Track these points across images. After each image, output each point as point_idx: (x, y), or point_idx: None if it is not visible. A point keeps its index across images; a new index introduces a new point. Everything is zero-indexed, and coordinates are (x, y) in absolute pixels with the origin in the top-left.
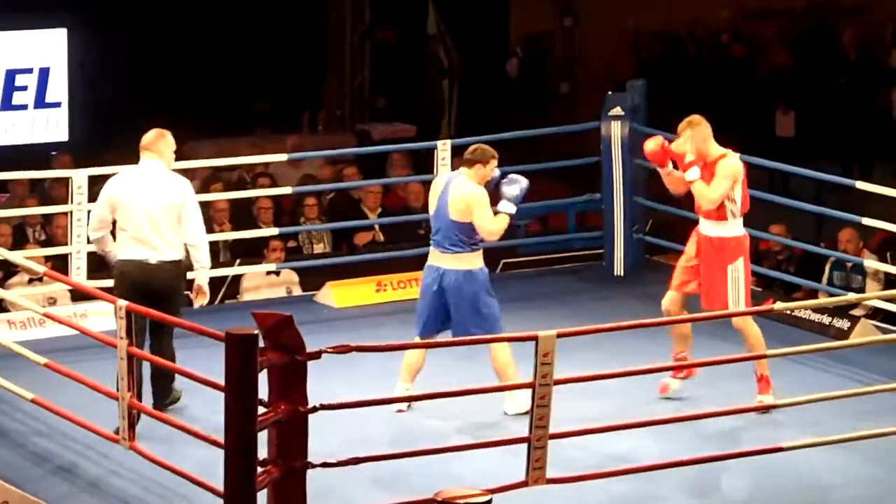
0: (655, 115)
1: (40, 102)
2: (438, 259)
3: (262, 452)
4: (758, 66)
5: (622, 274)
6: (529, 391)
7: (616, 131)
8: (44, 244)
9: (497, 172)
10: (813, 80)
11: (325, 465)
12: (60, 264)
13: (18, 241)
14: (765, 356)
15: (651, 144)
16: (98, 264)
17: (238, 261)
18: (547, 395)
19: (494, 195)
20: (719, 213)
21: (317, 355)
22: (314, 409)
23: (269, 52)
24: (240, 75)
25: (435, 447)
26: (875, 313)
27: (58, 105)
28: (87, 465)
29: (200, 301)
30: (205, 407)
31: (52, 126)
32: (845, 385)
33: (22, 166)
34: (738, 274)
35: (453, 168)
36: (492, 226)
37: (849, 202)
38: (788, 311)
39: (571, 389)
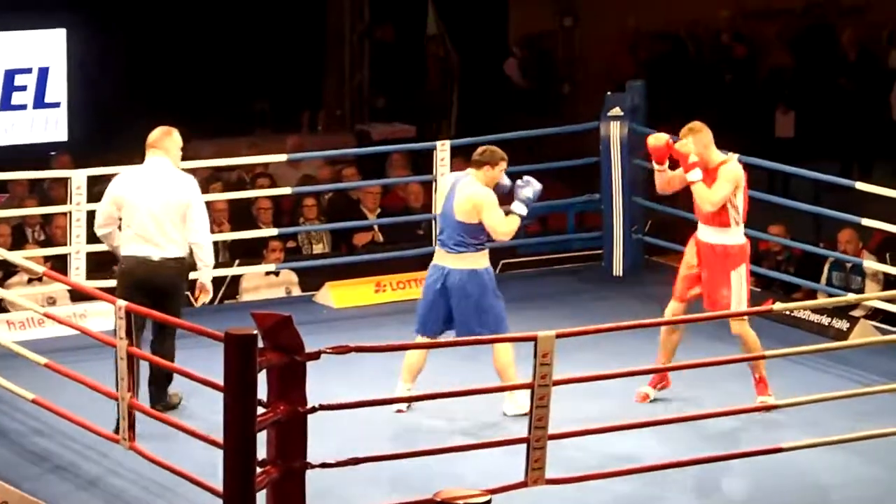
0: (655, 116)
1: (39, 102)
2: (444, 259)
3: (262, 453)
4: (758, 66)
5: (621, 274)
6: (529, 392)
7: (615, 132)
8: (43, 244)
9: (506, 180)
10: (813, 81)
11: (324, 465)
12: (60, 264)
13: (18, 242)
14: (764, 357)
15: (655, 139)
16: (97, 264)
17: (237, 261)
18: (546, 396)
19: (504, 199)
20: (721, 220)
21: (316, 356)
22: (313, 410)
23: (268, 52)
24: (239, 75)
25: (434, 447)
26: (874, 314)
27: (57, 105)
28: (87, 465)
29: (203, 299)
30: (204, 407)
31: (52, 126)
32: (845, 386)
33: (21, 166)
34: (740, 281)
35: (452, 168)
36: (504, 227)
37: (848, 203)
38: (788, 312)
39: (571, 390)
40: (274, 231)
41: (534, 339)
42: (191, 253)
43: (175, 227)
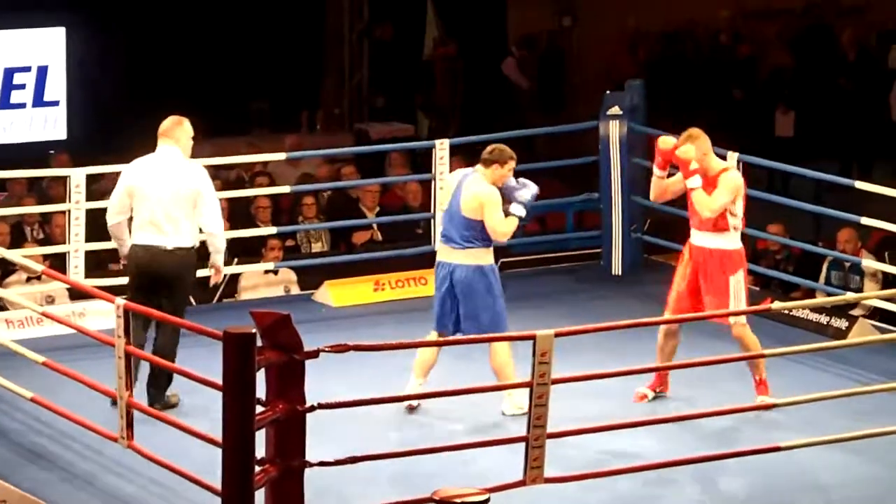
0: (654, 115)
1: (38, 101)
2: (449, 255)
3: (261, 451)
4: (758, 66)
5: (620, 273)
6: (527, 391)
7: (614, 131)
8: (42, 243)
9: (512, 180)
10: (813, 81)
11: (322, 464)
12: (58, 263)
13: (16, 240)
14: (763, 355)
15: (664, 143)
16: (96, 263)
17: (236, 260)
18: (545, 395)
19: (505, 198)
20: (718, 225)
21: (314, 354)
22: (312, 408)
23: (267, 51)
24: (238, 75)
25: (433, 446)
26: (873, 313)
27: (56, 104)
28: (85, 464)
29: (216, 280)
30: (203, 406)
31: (51, 125)
32: (843, 384)
33: (20, 165)
34: (739, 286)
35: (452, 167)
36: (502, 227)
37: (847, 202)
38: (786, 311)
39: (569, 389)
40: (273, 230)
41: (532, 337)
42: (201, 245)
43: (186, 216)
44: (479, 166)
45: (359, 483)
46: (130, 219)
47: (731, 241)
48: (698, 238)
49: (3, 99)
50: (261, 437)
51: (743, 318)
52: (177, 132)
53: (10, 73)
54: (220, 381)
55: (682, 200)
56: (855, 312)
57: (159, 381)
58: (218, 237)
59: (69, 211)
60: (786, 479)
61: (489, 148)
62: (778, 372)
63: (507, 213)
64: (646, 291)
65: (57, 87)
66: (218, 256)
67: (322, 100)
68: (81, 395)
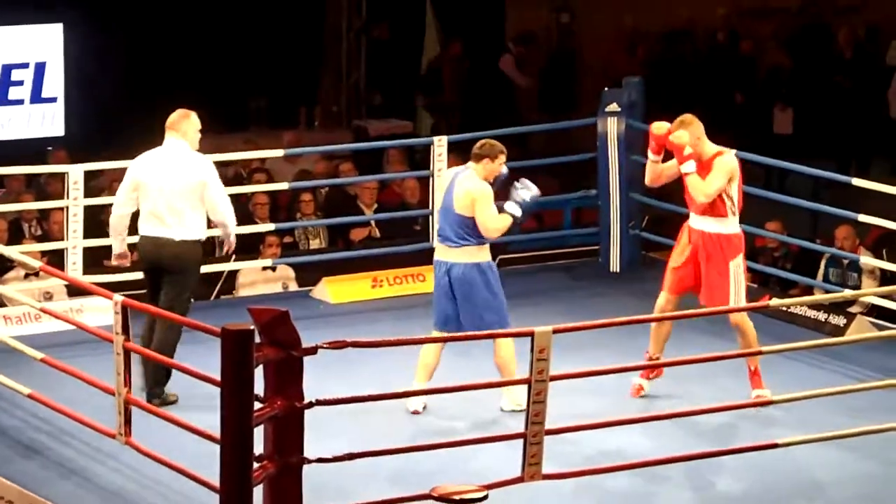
0: (652, 112)
1: (36, 97)
2: (445, 254)
3: (259, 448)
4: (756, 64)
5: (618, 270)
6: (526, 388)
7: (612, 128)
8: (40, 239)
9: (504, 170)
10: (811, 78)
11: (320, 460)
12: (56, 259)
13: (14, 236)
14: (760, 352)
15: (658, 128)
16: (93, 259)
17: (234, 256)
18: (543, 391)
19: (500, 194)
20: (716, 210)
21: (312, 350)
22: (310, 405)
23: (265, 48)
24: (236, 72)
25: (431, 443)
26: (871, 310)
27: (54, 100)
28: (83, 460)
29: (228, 247)
30: (201, 402)
31: (48, 121)
32: (840, 382)
33: (18, 161)
34: (739, 270)
35: (450, 164)
36: (494, 223)
37: (845, 199)
38: (784, 308)
39: (567, 385)
40: (270, 226)
41: (531, 334)
42: (206, 240)
43: (191, 207)
44: (470, 163)
45: (357, 480)
46: (136, 214)
47: (729, 225)
48: (697, 222)
49: (0, 95)
50: (259, 433)
51: (741, 305)
52: (184, 125)
53: (7, 69)
54: (218, 377)
55: (681, 196)
56: (853, 309)
57: (157, 376)
58: (230, 225)
59: (67, 207)
60: (782, 476)
61: (479, 143)
62: (775, 368)
63: (501, 211)
64: (644, 288)
65: (55, 83)
66: (232, 236)
67: (320, 97)
68: (79, 392)
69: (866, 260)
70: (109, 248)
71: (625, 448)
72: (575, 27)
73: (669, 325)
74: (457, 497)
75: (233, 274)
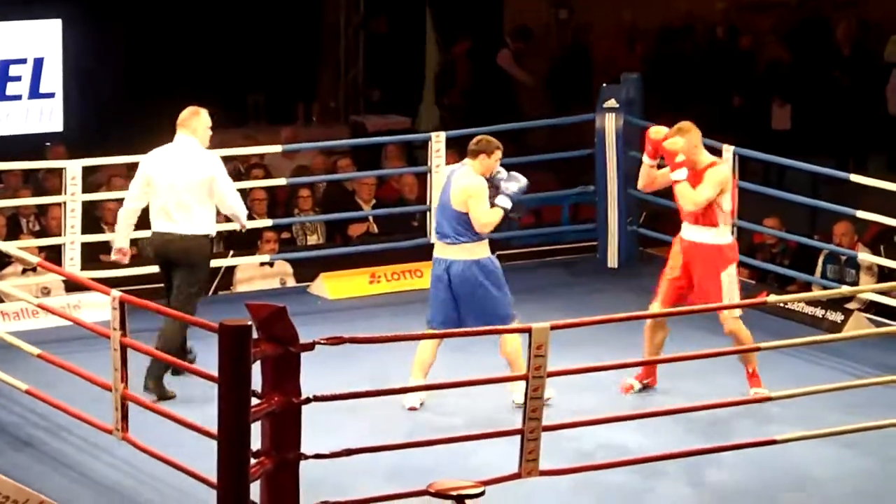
0: (651, 108)
1: (34, 93)
2: (444, 251)
3: (256, 444)
4: (755, 59)
5: (616, 266)
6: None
7: (610, 124)
8: (38, 235)
9: (502, 172)
10: (809, 74)
11: (317, 456)
12: (54, 255)
13: (12, 232)
14: (758, 348)
15: (656, 133)
16: (91, 255)
17: (232, 252)
18: (540, 388)
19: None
20: (708, 220)
21: (310, 346)
22: (308, 401)
23: (263, 44)
24: (234, 67)
25: (429, 439)
26: (869, 306)
27: (52, 96)
28: (81, 456)
29: (240, 227)
30: (198, 398)
31: (47, 117)
32: (838, 378)
33: (16, 157)
34: (731, 280)
35: (448, 161)
36: (485, 217)
37: (843, 195)
38: (782, 304)
39: (565, 382)
40: (268, 222)
41: (528, 330)
42: (215, 236)
43: (200, 202)
44: (466, 159)
45: (354, 476)
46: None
47: (720, 235)
48: (689, 232)
49: None
50: (256, 429)
51: (736, 313)
52: (193, 122)
53: (6, 64)
54: (215, 373)
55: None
56: (850, 306)
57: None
58: (242, 217)
59: (65, 203)
60: (780, 473)
61: (475, 139)
62: (773, 365)
63: (493, 205)
64: (642, 284)
65: (53, 79)
66: (244, 225)
67: (318, 92)
68: (77, 388)
69: (864, 256)
70: (107, 243)
71: (622, 444)
72: (573, 23)
73: (664, 334)
74: (454, 493)
75: (230, 270)
